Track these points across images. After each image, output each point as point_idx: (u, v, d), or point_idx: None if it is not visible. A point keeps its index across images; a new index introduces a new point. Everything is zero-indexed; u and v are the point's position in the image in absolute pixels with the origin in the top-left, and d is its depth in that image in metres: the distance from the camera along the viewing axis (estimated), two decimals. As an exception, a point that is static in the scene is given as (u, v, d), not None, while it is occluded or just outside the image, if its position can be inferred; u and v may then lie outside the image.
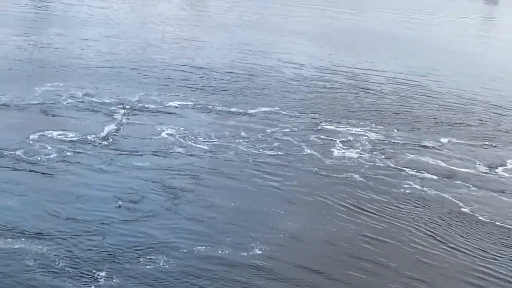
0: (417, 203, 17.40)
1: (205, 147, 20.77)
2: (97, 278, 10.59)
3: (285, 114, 26.31)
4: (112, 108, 22.70)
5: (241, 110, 25.98)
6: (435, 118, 27.19)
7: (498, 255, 14.95)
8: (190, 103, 25.23)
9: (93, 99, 23.55)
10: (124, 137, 19.77)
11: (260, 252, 12.89)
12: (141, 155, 18.11)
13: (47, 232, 12.42)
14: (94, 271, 10.91)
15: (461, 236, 16.04)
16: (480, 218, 17.34)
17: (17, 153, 17.44)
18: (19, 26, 39.34)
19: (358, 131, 23.50)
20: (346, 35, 53.11)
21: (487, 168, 20.86)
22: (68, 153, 17.79)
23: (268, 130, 23.58)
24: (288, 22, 56.60)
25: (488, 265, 14.34)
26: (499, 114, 29.44)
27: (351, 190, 17.72)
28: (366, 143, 22.40)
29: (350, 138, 22.77)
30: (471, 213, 17.70)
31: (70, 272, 10.71)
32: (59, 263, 11.01)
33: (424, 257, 14.07)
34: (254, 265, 12.16)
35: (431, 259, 13.88)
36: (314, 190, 17.69)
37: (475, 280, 13.52)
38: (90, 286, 10.38)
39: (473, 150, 23.18)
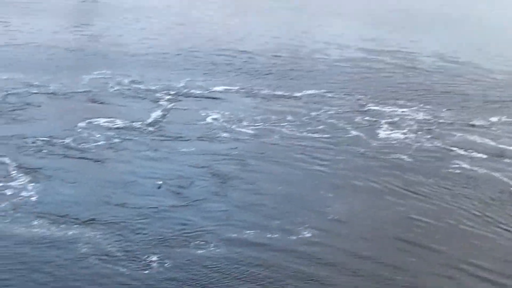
0: (466, 184, 16.42)
1: (251, 131, 20.44)
2: (150, 263, 10.60)
3: (330, 97, 25.28)
4: (158, 94, 22.90)
5: (286, 94, 25.25)
6: (484, 97, 25.52)
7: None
8: (235, 87, 24.94)
9: (139, 86, 23.87)
10: (170, 123, 19.86)
11: (308, 236, 12.58)
12: (187, 140, 18.08)
13: (98, 218, 12.62)
14: (146, 255, 10.94)
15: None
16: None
17: (66, 140, 17.94)
18: (69, 18, 40.76)
19: (404, 111, 22.45)
20: (391, 15, 50.52)
21: None
22: (116, 140, 17.96)
23: (313, 113, 22.89)
24: (332, 4, 54.57)
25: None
26: None
27: (399, 172, 16.95)
28: (413, 123, 21.43)
29: (396, 119, 21.91)
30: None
31: (123, 257, 10.78)
32: (112, 249, 11.10)
33: (475, 239, 13.31)
34: (302, 250, 11.95)
35: (482, 241, 13.18)
36: (361, 173, 17.01)
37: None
38: (144, 270, 10.38)
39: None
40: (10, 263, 10.40)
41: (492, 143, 19.88)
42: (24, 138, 17.89)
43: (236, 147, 18.09)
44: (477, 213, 14.68)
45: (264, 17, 45.53)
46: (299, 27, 41.35)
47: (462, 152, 18.72)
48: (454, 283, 11.40)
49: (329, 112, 22.53)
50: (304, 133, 19.88)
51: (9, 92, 22.17)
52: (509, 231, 13.86)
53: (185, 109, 22.04)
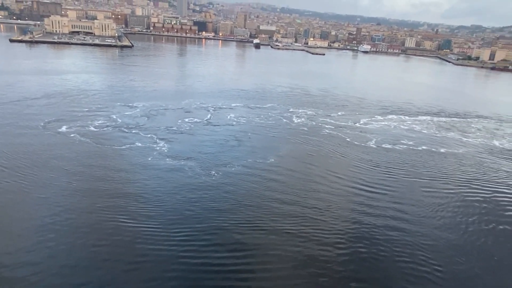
0: (328, 138, 56.20)
1: (245, 121, 59.37)
2: (210, 172, 48.11)
3: (276, 106, 65.80)
4: (209, 108, 62.27)
5: (260, 106, 68.20)
6: (335, 104, 68.53)
7: None
8: (240, 104, 73.58)
9: (203, 105, 62.60)
10: (214, 119, 61.52)
11: (271, 160, 47.80)
12: (221, 125, 61.06)
13: (192, 156, 48.39)
14: (210, 168, 48.16)
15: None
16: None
17: (175, 127, 52.76)
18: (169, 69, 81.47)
19: (304, 111, 69.39)
20: (301, 73, 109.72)
21: (353, 122, 63.86)
22: (193, 127, 54.07)
23: (269, 113, 62.74)
24: (277, 70, 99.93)
25: None
26: (361, 99, 70.14)
27: (302, 135, 56.05)
28: (307, 116, 66.09)
29: (300, 114, 62.49)
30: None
31: (195, 167, 47.92)
32: (184, 161, 47.73)
33: (327, 158, 50.17)
34: (268, 168, 47.65)
35: (334, 159, 49.64)
36: (288, 136, 54.02)
37: None
38: (209, 175, 47.81)
39: (351, 116, 66.50)
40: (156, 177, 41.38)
41: (337, 122, 63.42)
42: (159, 126, 52.52)
43: (241, 126, 56.49)
44: (331, 150, 49.98)
45: (249, 76, 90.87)
46: (265, 79, 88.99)
47: (326, 126, 60.79)
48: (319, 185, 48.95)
49: (275, 111, 64.22)
50: (266, 121, 59.01)
51: (152, 109, 62.10)
52: (344, 156, 48.22)
53: (219, 113, 60.62)
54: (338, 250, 27.74)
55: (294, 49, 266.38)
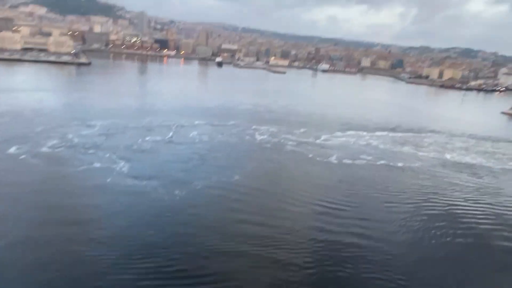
0: (290, 153, 57.04)
1: (208, 137, 59.29)
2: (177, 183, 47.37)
3: (239, 123, 66.41)
4: (171, 125, 59.75)
5: (223, 123, 68.42)
6: (298, 121, 69.91)
7: None
8: (203, 122, 69.87)
9: (165, 123, 61.61)
10: (176, 137, 58.07)
11: (237, 178, 47.54)
12: (183, 143, 57.08)
13: (158, 175, 48.45)
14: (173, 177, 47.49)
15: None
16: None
17: (134, 147, 52.23)
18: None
19: (267, 128, 66.93)
20: (265, 92, 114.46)
21: (315, 139, 61.54)
22: (150, 145, 52.81)
23: (232, 130, 62.53)
24: (242, 88, 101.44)
25: None
26: (322, 116, 72.10)
27: (266, 151, 56.30)
28: (269, 132, 66.72)
29: (263, 131, 62.77)
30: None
31: (159, 179, 46.90)
32: (144, 179, 47.25)
33: (294, 172, 50.71)
34: (234, 182, 46.80)
35: (297, 172, 50.74)
36: (252, 152, 54.48)
37: None
38: (173, 190, 47.10)
39: (312, 133, 67.30)
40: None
41: (300, 138, 64.93)
42: (118, 146, 51.00)
43: (204, 144, 57.12)
44: (295, 166, 50.71)
45: (212, 94, 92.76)
46: (228, 97, 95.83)
47: (289, 142, 62.44)
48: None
49: (238, 129, 64.99)
50: (229, 138, 59.29)
51: (111, 127, 63.36)
52: (307, 173, 48.88)
53: (182, 131, 60.19)
54: (305, 270, 27.50)
55: (256, 68, 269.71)
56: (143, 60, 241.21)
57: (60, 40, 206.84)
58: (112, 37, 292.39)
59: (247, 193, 40.76)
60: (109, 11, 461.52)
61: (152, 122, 69.33)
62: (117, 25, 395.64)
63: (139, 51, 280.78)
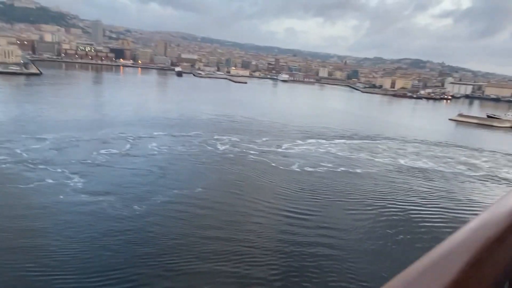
0: (254, 162, 56.29)
1: (167, 150, 57.15)
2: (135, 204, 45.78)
3: (201, 134, 64.74)
4: (128, 137, 57.55)
5: (184, 134, 65.51)
6: (259, 130, 69.39)
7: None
8: (164, 133, 63.50)
9: (122, 135, 58.79)
10: (133, 150, 55.16)
11: (199, 190, 47.31)
12: (139, 156, 54.15)
13: (114, 191, 46.79)
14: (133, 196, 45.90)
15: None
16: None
17: (88, 161, 50.39)
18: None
19: (229, 138, 65.73)
20: (228, 102, 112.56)
21: (277, 147, 61.94)
22: (106, 158, 51.08)
23: (193, 141, 61.44)
24: (205, 98, 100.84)
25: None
26: (283, 125, 73.18)
27: (229, 161, 55.12)
28: (231, 142, 63.00)
29: (225, 141, 61.55)
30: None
31: (117, 200, 45.23)
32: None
33: (260, 183, 50.73)
34: (195, 195, 47.37)
35: (263, 182, 51.07)
36: (214, 163, 53.62)
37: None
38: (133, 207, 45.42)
39: (274, 142, 66.35)
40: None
41: (262, 148, 63.94)
42: (72, 160, 48.65)
43: (164, 156, 54.38)
44: (258, 176, 50.44)
45: (172, 104, 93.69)
46: (188, 107, 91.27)
47: (251, 151, 61.01)
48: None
49: (200, 139, 62.74)
50: (190, 149, 57.40)
51: (63, 140, 56.49)
52: (270, 182, 49.03)
53: (140, 143, 57.91)
54: (271, 283, 26.94)
55: (217, 78, 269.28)
56: (98, 70, 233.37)
57: (7, 49, 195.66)
58: (65, 46, 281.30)
59: (209, 207, 39.54)
60: (62, 20, 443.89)
61: (108, 134, 65.79)
62: (70, 34, 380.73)
63: (93, 61, 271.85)
